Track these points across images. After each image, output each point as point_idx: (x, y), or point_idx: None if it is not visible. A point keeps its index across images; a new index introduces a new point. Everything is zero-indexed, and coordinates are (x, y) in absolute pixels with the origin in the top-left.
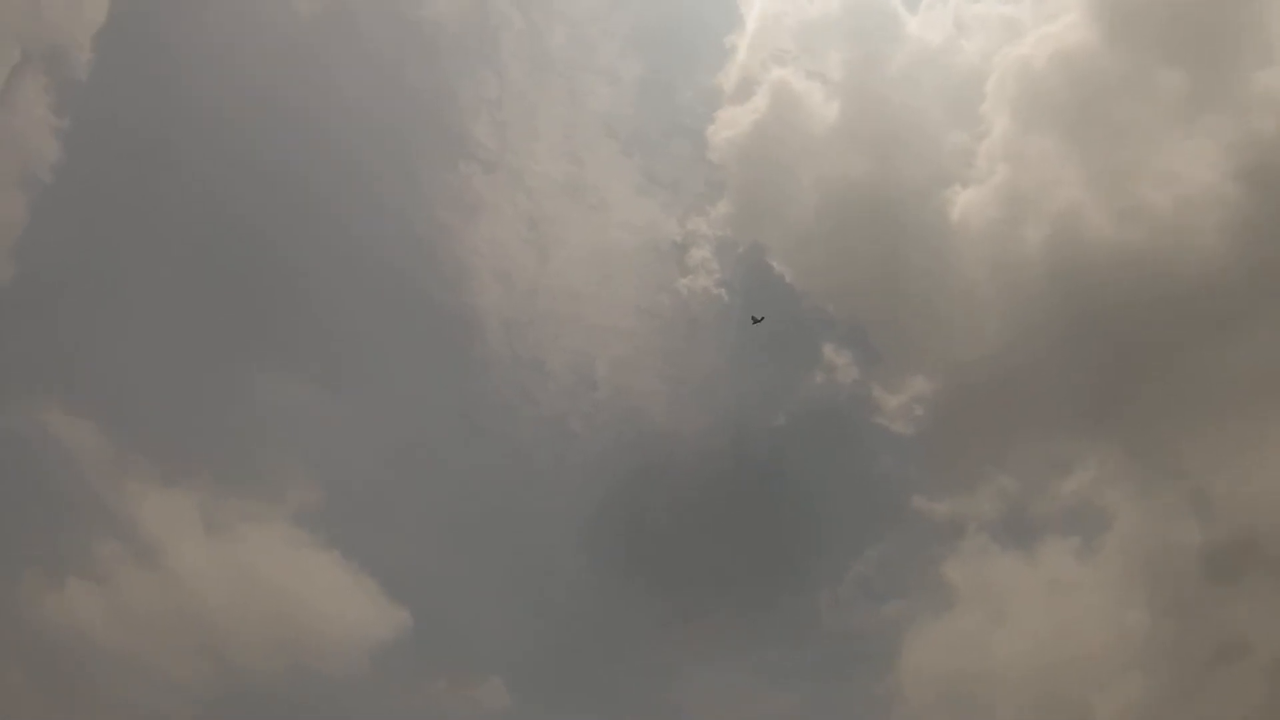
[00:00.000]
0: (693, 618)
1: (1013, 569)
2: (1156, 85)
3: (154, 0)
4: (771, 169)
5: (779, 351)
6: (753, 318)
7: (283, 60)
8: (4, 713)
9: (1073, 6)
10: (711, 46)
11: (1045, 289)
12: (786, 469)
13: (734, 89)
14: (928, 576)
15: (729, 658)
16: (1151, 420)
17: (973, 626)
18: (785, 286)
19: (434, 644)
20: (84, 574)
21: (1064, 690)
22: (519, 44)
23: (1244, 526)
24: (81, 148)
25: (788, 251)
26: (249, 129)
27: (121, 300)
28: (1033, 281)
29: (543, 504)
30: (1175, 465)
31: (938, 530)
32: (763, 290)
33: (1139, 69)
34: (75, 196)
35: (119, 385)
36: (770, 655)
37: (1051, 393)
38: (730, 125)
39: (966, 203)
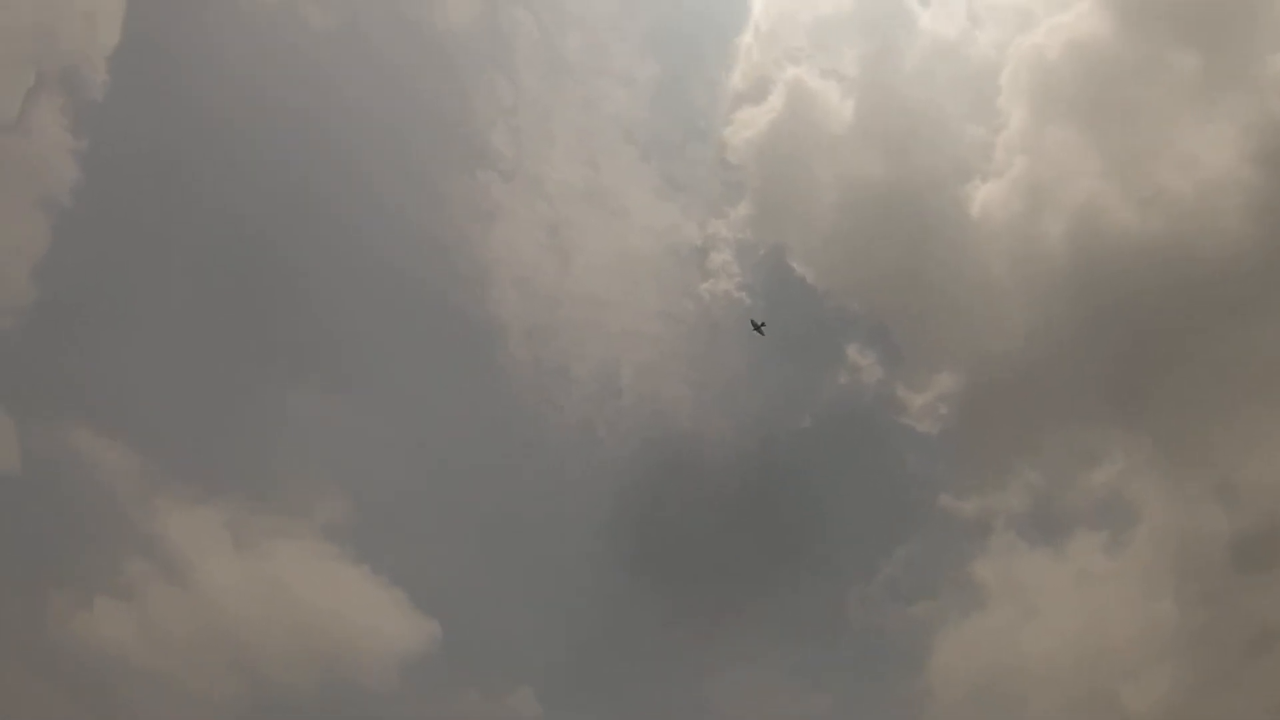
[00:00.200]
0: (721, 621)
1: (1041, 565)
2: (1172, 70)
3: (167, 20)
4: (790, 168)
5: (803, 353)
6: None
7: (296, 75)
8: None
9: None
10: (725, 47)
11: (1067, 280)
12: (812, 470)
13: (749, 89)
14: (956, 575)
15: (759, 660)
16: (1178, 409)
17: (1002, 623)
18: (807, 287)
19: (464, 654)
20: (113, 593)
21: (1095, 684)
22: (533, 50)
23: (1273, 515)
24: (100, 169)
25: (808, 252)
26: (265, 144)
27: (145, 319)
28: (1055, 273)
29: (570, 510)
30: (1202, 454)
31: (965, 528)
32: (784, 291)
33: (1154, 54)
34: (96, 217)
35: (145, 404)
36: (800, 657)
37: (1076, 385)
38: (747, 126)
39: (986, 196)
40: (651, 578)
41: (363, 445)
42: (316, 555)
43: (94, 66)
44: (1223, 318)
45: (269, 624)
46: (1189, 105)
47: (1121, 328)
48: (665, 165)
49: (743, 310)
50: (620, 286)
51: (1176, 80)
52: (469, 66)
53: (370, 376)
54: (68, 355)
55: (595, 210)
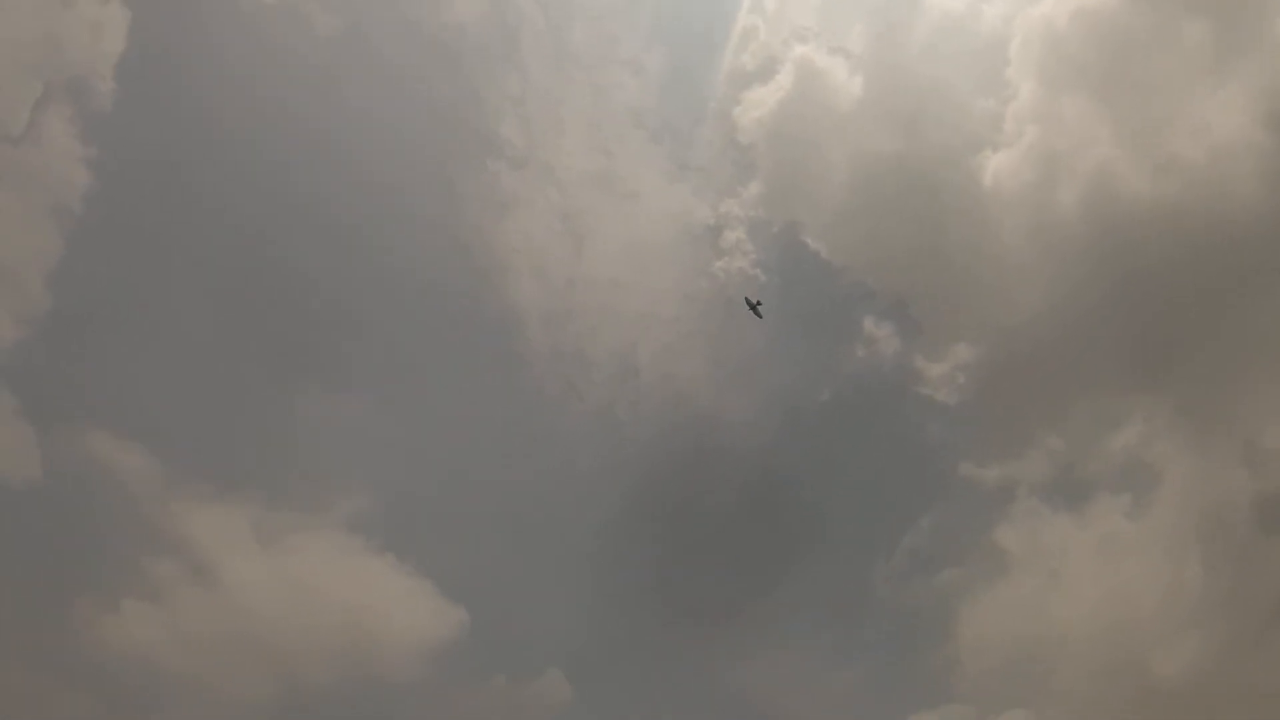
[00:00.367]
0: (748, 600)
1: (1064, 531)
2: (1181, 36)
3: (173, 27)
4: (800, 147)
5: (819, 328)
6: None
7: (303, 78)
8: None
9: None
10: (732, 28)
11: (1083, 248)
12: (833, 444)
13: (757, 69)
14: (980, 543)
15: (786, 638)
16: (1198, 373)
17: (1027, 591)
18: (821, 262)
19: (492, 640)
20: (140, 595)
21: (1122, 652)
22: (540, 41)
23: None
24: (111, 176)
25: (822, 228)
26: (275, 147)
27: (160, 322)
28: (1070, 241)
29: (593, 493)
30: (1224, 417)
31: (988, 496)
32: (798, 268)
33: (1162, 21)
34: (108, 225)
35: (163, 406)
36: (828, 634)
37: (1095, 351)
38: (756, 106)
39: (998, 167)
40: (676, 557)
41: (383, 438)
42: (341, 549)
43: (101, 75)
44: (1240, 280)
45: (296, 619)
46: (1199, 70)
47: (1138, 293)
48: (676, 147)
49: (757, 287)
50: (635, 269)
51: (1186, 46)
52: (476, 59)
53: (388, 371)
54: (84, 362)
55: (607, 196)
